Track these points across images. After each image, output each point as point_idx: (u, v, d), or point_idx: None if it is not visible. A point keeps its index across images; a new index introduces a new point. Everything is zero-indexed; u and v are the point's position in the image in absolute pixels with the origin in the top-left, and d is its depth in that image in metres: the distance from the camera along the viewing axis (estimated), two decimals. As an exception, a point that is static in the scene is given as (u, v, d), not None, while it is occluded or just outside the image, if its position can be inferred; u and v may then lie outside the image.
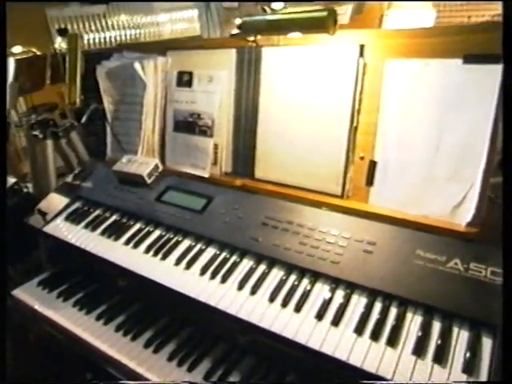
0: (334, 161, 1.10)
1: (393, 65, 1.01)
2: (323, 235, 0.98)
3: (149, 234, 1.17)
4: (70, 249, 1.24)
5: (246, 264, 1.01)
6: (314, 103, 1.12)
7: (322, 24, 1.00)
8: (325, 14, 0.99)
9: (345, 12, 1.59)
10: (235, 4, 5.59)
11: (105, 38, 3.69)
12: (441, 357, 0.74)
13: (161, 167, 1.34)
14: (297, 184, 1.17)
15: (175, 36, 3.79)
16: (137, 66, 1.37)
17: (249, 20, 1.10)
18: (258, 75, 1.22)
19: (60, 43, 2.01)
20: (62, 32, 2.20)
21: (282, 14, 1.12)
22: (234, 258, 1.03)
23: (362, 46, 1.05)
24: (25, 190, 1.45)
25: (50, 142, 1.41)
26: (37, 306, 1.24)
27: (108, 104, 1.50)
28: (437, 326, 0.79)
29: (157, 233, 1.17)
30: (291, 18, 1.05)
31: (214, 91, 1.28)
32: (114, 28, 3.76)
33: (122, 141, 1.47)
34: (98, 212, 1.31)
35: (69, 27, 3.33)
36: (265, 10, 1.40)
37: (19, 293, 1.30)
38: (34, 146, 1.41)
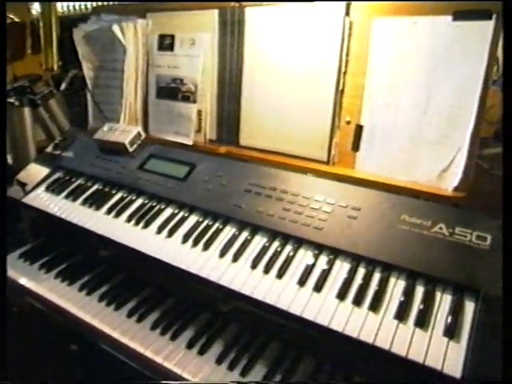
0: (319, 125, 1.07)
1: (380, 23, 0.96)
2: (307, 201, 0.95)
3: (131, 202, 1.14)
4: (51, 220, 1.21)
5: (229, 231, 0.99)
6: (298, 65, 1.08)
7: (307, -21, 0.94)
8: (309, -32, 0.93)
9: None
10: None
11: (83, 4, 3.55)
12: (422, 321, 0.72)
13: (143, 135, 1.30)
14: (282, 150, 1.14)
15: None
16: (115, 28, 1.31)
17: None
18: (241, 37, 1.17)
19: (37, 9, 1.92)
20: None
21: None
22: (216, 225, 1.01)
23: (348, 5, 1.00)
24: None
25: (27, 110, 1.36)
26: (19, 279, 1.22)
27: (88, 70, 1.44)
28: (420, 291, 0.78)
29: (139, 201, 1.14)
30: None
31: (197, 55, 1.23)
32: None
33: (103, 109, 1.42)
34: (79, 182, 1.27)
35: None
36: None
37: None
38: (11, 114, 1.35)
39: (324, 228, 0.90)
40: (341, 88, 1.03)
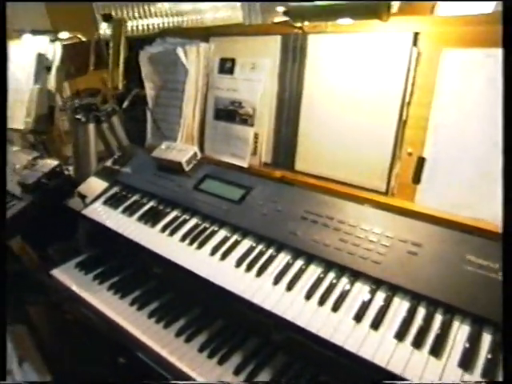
0: (379, 155, 1.05)
1: (450, 55, 0.94)
2: (365, 233, 0.93)
3: (185, 222, 1.16)
4: (107, 233, 1.25)
5: (283, 258, 0.98)
6: (361, 94, 1.06)
7: (375, 9, 0.94)
8: (379, -2, 0.93)
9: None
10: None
11: (148, 25, 3.73)
12: (492, 373, 0.68)
13: (199, 155, 1.33)
14: (339, 178, 1.12)
15: (217, 23, 3.77)
16: (179, 51, 1.35)
17: (296, 6, 1.05)
18: (302, 63, 1.18)
19: (105, 29, 2.01)
20: (107, 17, 2.21)
21: (332, -2, 1.07)
22: (270, 251, 1.01)
23: (415, 34, 0.98)
24: (66, 172, 1.47)
25: (92, 126, 1.43)
26: (73, 287, 1.26)
27: (149, 90, 1.49)
28: (486, 339, 0.74)
29: (193, 221, 1.16)
30: (342, 3, 0.99)
31: (257, 79, 1.25)
32: (156, 15, 3.79)
33: (162, 127, 1.46)
34: (135, 197, 1.31)
35: (113, 13, 3.38)
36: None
37: (58, 273, 1.32)
38: (77, 129, 1.42)
39: (382, 262, 0.87)
40: (404, 118, 1.01)
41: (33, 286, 1.48)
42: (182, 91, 1.39)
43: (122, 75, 1.44)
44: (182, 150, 1.31)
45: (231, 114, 1.30)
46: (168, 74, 1.44)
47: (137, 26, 3.62)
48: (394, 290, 0.85)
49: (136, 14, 3.57)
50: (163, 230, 1.15)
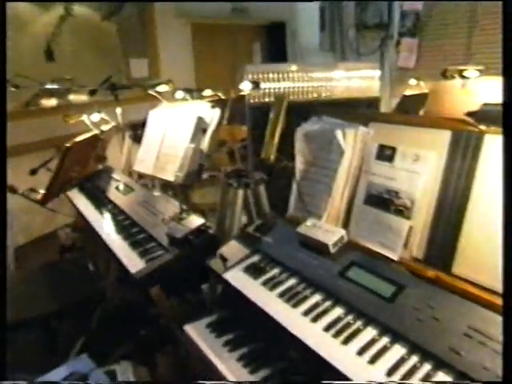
0: None
1: None
2: (552, 374, 0.80)
3: (329, 310, 1.13)
4: (244, 301, 1.26)
5: (443, 377, 0.89)
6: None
7: None
8: None
9: None
10: (411, 64, 5.50)
11: (279, 88, 3.95)
12: None
13: (346, 238, 1.31)
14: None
15: (350, 92, 3.84)
16: (338, 133, 1.38)
17: (486, 110, 1.01)
18: (474, 164, 1.12)
19: (247, 91, 2.10)
20: (254, 84, 2.36)
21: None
22: (427, 366, 0.92)
23: None
24: (210, 231, 1.55)
25: (241, 192, 1.51)
26: (204, 349, 1.28)
27: (299, 163, 1.54)
28: None
29: (337, 311, 1.12)
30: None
31: (419, 171, 1.21)
32: (287, 79, 4.01)
33: (306, 201, 1.48)
34: (276, 270, 1.32)
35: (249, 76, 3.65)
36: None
37: (190, 329, 1.36)
38: (227, 192, 1.51)
39: None
40: None
41: (164, 333, 1.55)
42: (334, 170, 1.41)
43: (276, 147, 1.51)
44: (328, 231, 1.31)
45: (385, 202, 1.27)
46: (321, 152, 1.47)
47: (268, 89, 3.87)
48: None
49: (270, 77, 3.83)
50: (306, 313, 1.13)
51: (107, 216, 1.97)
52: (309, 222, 1.37)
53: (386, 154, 1.31)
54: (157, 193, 2.22)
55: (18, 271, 2.55)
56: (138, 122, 3.71)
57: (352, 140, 1.38)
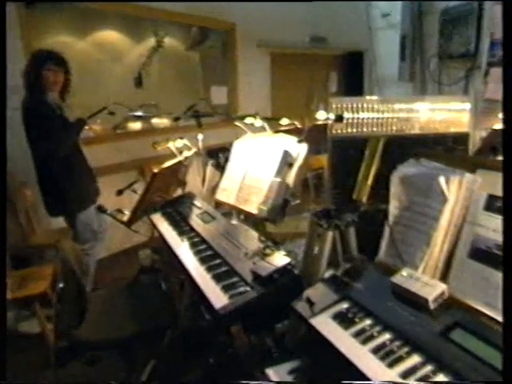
0: None
1: None
2: None
3: (429, 376, 1.03)
4: (332, 351, 1.20)
5: None
6: None
7: None
8: None
9: None
10: (499, 96, 5.18)
11: (358, 119, 3.88)
12: None
13: (447, 294, 1.21)
14: None
15: (435, 125, 3.67)
16: (441, 180, 1.30)
17: None
18: None
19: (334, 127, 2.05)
20: (338, 118, 2.33)
21: None
22: None
23: None
24: (295, 271, 1.52)
25: (330, 233, 1.46)
26: (286, 396, 1.23)
27: (393, 208, 1.46)
28: None
29: (439, 377, 1.02)
30: None
31: (539, 229, 1.09)
32: (370, 110, 3.93)
33: (399, 249, 1.40)
34: (368, 322, 1.24)
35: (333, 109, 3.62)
36: None
37: (272, 374, 1.32)
38: (316, 233, 1.47)
39: None
40: None
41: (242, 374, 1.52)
42: (433, 218, 1.32)
43: (369, 190, 1.45)
44: (427, 285, 1.21)
45: (495, 258, 1.16)
46: (419, 197, 1.39)
47: (351, 119, 3.81)
48: None
49: (353, 107, 3.77)
50: (404, 376, 1.04)
51: (189, 243, 2.00)
52: (404, 272, 1.28)
53: (497, 205, 1.20)
54: (234, 221, 2.24)
55: (98, 290, 2.68)
56: (217, 148, 3.83)
57: (456, 188, 1.29)
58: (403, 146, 1.59)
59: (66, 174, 2.92)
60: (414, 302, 1.21)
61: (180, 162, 2.70)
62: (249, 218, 2.27)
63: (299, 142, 1.94)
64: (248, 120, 2.29)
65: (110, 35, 5.28)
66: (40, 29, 4.36)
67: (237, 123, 2.40)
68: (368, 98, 3.47)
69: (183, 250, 1.98)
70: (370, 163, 1.45)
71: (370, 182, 1.45)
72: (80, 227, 3.09)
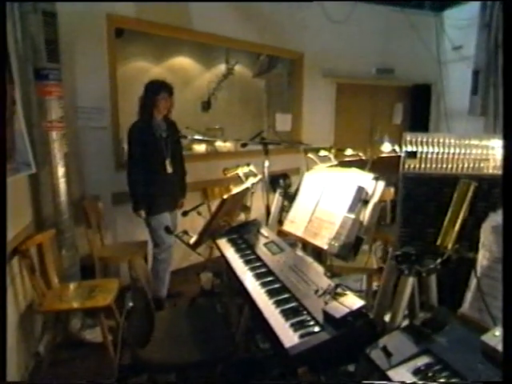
0: None
1: None
2: None
3: None
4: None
5: None
6: None
7: None
8: None
9: None
10: None
11: (426, 153, 3.75)
12: None
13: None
14: None
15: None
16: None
17: None
18: None
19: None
20: (410, 154, 2.25)
21: None
22: None
23: None
24: (371, 315, 1.45)
25: (411, 280, 1.39)
26: None
27: (482, 257, 1.37)
28: None
29: None
30: None
31: None
32: (443, 146, 3.78)
33: (488, 303, 1.30)
34: (455, 381, 1.15)
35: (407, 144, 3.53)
36: None
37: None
38: (394, 277, 1.41)
39: None
40: None
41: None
42: (531, 275, 1.22)
43: (455, 237, 1.38)
44: (526, 348, 1.11)
45: None
46: (514, 250, 1.29)
47: (425, 154, 3.69)
48: None
49: (425, 141, 3.65)
50: None
51: (255, 273, 1.99)
52: (497, 332, 1.18)
53: None
54: (299, 252, 2.21)
55: (161, 311, 2.73)
56: (278, 174, 3.83)
57: (560, 243, 1.18)
58: (498, 191, 1.49)
59: (149, 181, 3.33)
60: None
61: (247, 189, 2.73)
62: (314, 250, 2.23)
63: (375, 179, 1.89)
64: (322, 153, 2.28)
65: (183, 61, 5.54)
66: (123, 56, 4.67)
67: (310, 156, 2.39)
68: (443, 134, 3.36)
69: (249, 279, 1.96)
70: (459, 208, 1.38)
71: (457, 227, 1.37)
72: (152, 228, 3.41)
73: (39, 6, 2.59)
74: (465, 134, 3.49)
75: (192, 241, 2.50)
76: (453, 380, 0.97)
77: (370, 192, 1.88)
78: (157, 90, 3.30)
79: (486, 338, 1.18)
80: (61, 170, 2.89)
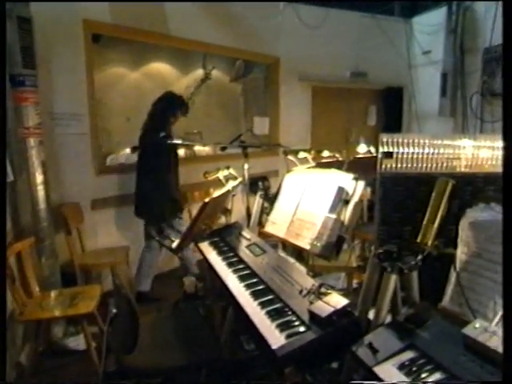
0: None
1: None
2: None
3: None
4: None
5: None
6: None
7: None
8: None
9: None
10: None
11: (402, 153, 3.84)
12: None
13: (526, 352, 1.14)
14: None
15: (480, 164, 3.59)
16: (518, 228, 1.25)
17: None
18: None
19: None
20: (387, 154, 2.30)
21: None
22: None
23: None
24: (356, 313, 1.48)
25: (394, 277, 1.42)
26: None
27: (461, 253, 1.42)
28: None
29: None
30: None
31: None
32: (417, 145, 3.89)
33: (466, 296, 1.35)
34: (437, 375, 1.17)
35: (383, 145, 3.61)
36: None
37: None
38: (377, 275, 1.44)
39: None
40: None
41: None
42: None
43: (435, 233, 1.42)
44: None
45: None
46: (491, 244, 1.34)
47: (401, 154, 3.78)
48: None
49: (400, 142, 3.74)
50: None
51: (239, 275, 1.99)
52: (477, 324, 1.22)
53: None
54: (281, 253, 2.23)
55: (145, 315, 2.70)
56: (257, 177, 3.84)
57: (533, 237, 1.24)
58: (471, 188, 1.55)
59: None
60: (490, 357, 1.15)
61: (228, 192, 2.73)
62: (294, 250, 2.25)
63: (355, 179, 1.93)
64: (301, 155, 2.31)
65: (160, 67, 5.50)
66: (101, 61, 4.60)
67: (290, 158, 2.41)
68: (417, 134, 3.46)
69: (233, 281, 1.96)
70: (438, 206, 1.42)
71: (436, 225, 1.41)
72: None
73: (14, 12, 2.53)
74: (437, 134, 3.61)
75: (174, 245, 2.48)
76: (452, 381, 0.98)
77: (350, 192, 1.92)
78: (181, 104, 3.59)
79: (467, 330, 1.22)
80: (39, 178, 2.83)
